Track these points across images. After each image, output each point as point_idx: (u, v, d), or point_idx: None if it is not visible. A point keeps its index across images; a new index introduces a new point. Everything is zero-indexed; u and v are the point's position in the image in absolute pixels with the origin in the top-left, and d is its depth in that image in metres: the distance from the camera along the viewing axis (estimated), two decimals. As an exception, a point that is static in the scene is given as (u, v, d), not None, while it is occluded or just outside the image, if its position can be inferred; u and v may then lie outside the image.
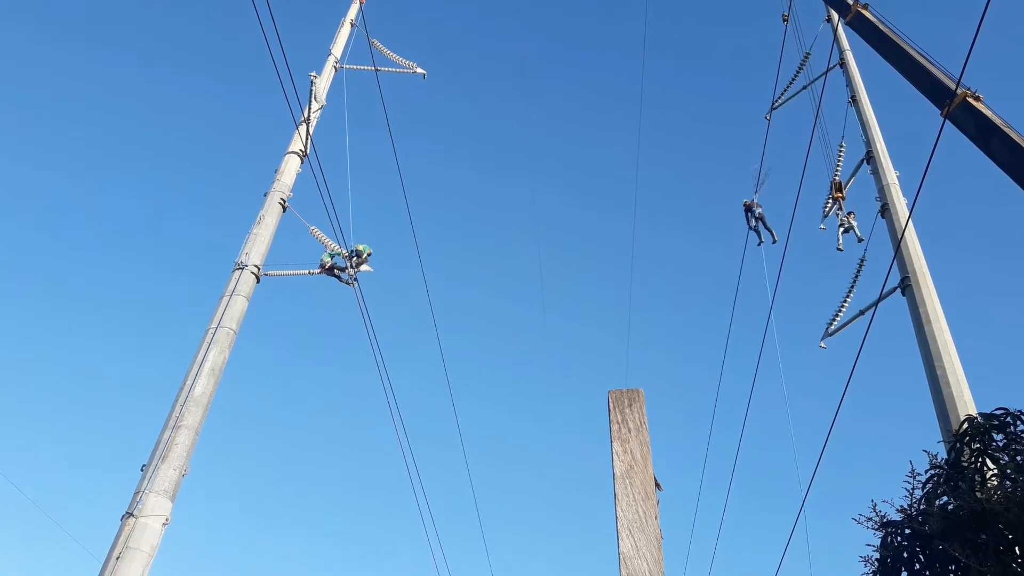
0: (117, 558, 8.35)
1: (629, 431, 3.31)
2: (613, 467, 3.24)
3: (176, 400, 9.58)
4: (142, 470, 9.08)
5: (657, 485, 3.29)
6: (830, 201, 15.16)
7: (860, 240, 14.74)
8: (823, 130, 15.09)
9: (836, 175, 15.20)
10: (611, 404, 3.41)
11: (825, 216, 15.34)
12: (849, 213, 15.21)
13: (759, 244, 17.67)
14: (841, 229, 15.24)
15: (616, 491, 3.19)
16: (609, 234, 68.51)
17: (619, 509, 3.15)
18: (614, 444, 3.28)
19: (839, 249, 15.20)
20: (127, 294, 60.96)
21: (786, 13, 17.58)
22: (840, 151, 15.05)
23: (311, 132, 12.70)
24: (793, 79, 17.75)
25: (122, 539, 8.50)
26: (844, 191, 15.18)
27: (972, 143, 9.34)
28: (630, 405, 3.37)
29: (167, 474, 8.98)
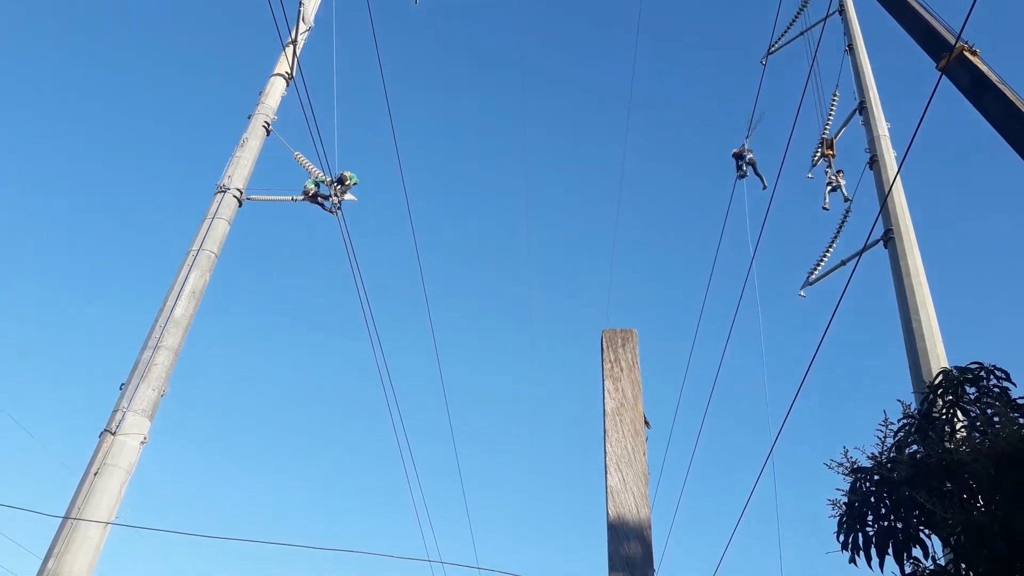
0: (95, 474, 8.39)
1: (621, 370, 3.33)
2: (604, 404, 3.27)
3: (156, 321, 9.51)
4: (121, 388, 9.06)
5: (646, 423, 3.34)
6: (818, 156, 15.06)
7: (847, 199, 14.63)
8: (817, 79, 14.94)
9: (826, 132, 15.07)
10: (604, 343, 3.42)
11: (813, 166, 15.30)
12: (838, 172, 15.06)
13: (763, 188, 17.61)
14: (829, 187, 15.07)
15: (606, 427, 3.22)
16: (599, 170, 68.18)
17: (608, 445, 3.19)
18: (606, 382, 3.30)
19: (825, 208, 15.03)
20: (109, 215, 60.09)
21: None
22: (833, 101, 14.95)
23: (298, 54, 12.37)
24: (791, 24, 17.49)
25: (100, 455, 8.53)
26: (834, 148, 15.07)
27: (965, 98, 9.30)
28: (623, 345, 3.38)
29: (146, 393, 8.97)
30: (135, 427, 8.73)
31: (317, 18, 13.81)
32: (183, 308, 9.63)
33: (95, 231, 60.18)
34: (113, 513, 8.24)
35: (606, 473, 3.13)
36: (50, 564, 7.76)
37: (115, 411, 8.83)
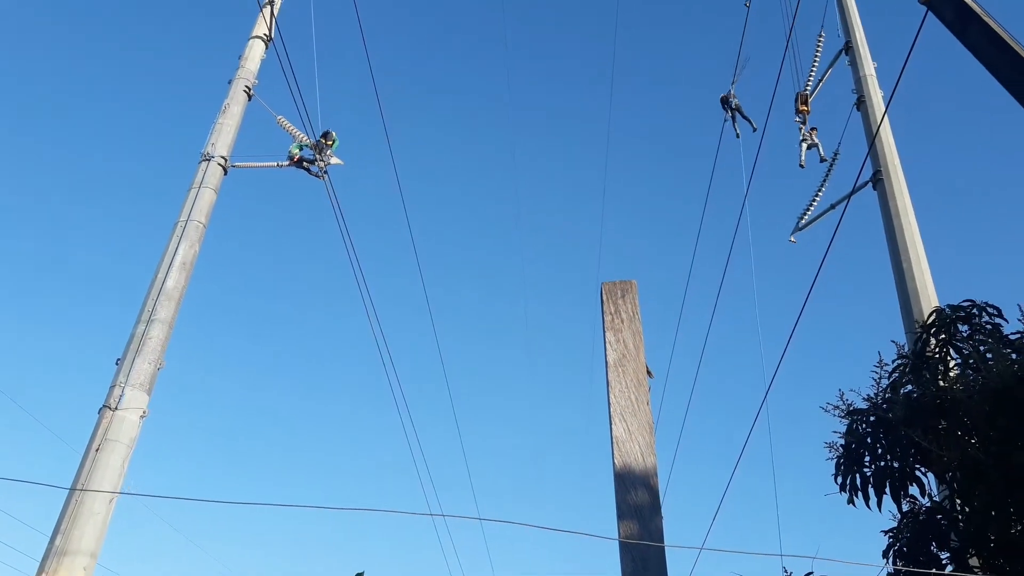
0: (97, 450, 8.41)
1: (622, 321, 3.33)
2: (606, 356, 3.28)
3: (148, 294, 9.45)
4: (117, 364, 9.04)
5: (648, 373, 3.36)
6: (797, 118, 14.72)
7: (823, 160, 14.18)
8: (801, 22, 14.73)
9: (807, 87, 14.78)
10: (604, 295, 3.41)
11: (797, 112, 15.06)
12: (812, 129, 14.66)
13: (737, 137, 17.42)
14: (804, 144, 14.60)
15: (609, 379, 3.24)
16: (586, 123, 67.63)
17: (612, 396, 3.20)
18: (607, 334, 3.31)
19: (801, 166, 14.67)
20: (94, 188, 59.40)
21: None
22: (818, 42, 14.79)
23: (275, 15, 12.13)
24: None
25: (100, 431, 8.54)
26: (809, 104, 14.75)
27: (949, 31, 9.23)
28: (623, 296, 3.37)
29: (142, 368, 8.95)
30: (134, 402, 8.72)
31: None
32: (174, 280, 9.56)
33: (81, 207, 59.57)
34: (118, 487, 8.28)
35: (611, 424, 3.15)
36: (58, 540, 7.81)
37: (113, 386, 8.81)
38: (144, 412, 8.84)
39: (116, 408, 8.62)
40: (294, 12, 13.62)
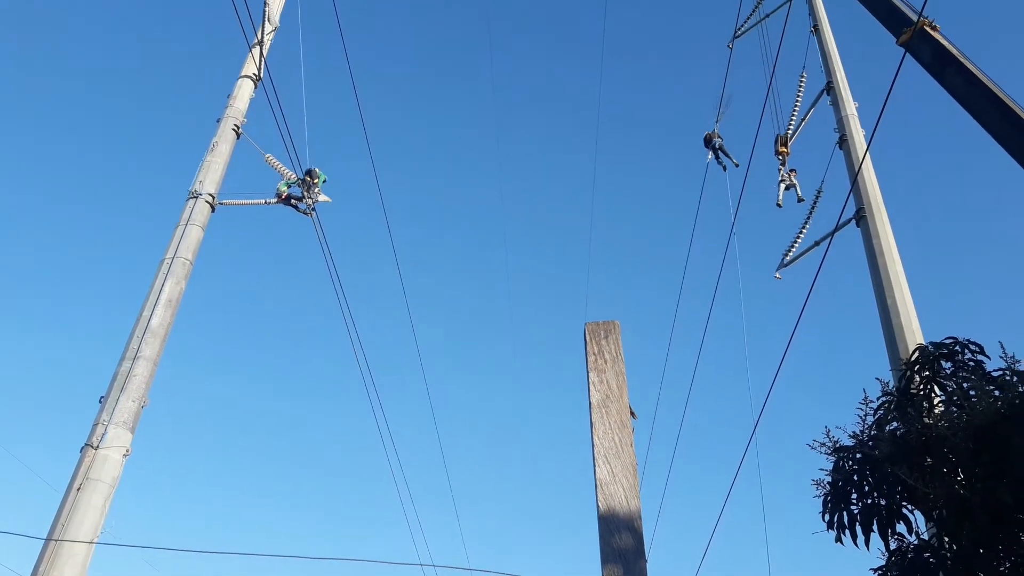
0: (78, 489, 8.30)
1: (605, 362, 3.35)
2: (589, 397, 3.29)
3: (133, 332, 9.41)
4: (100, 401, 8.96)
5: (632, 414, 3.36)
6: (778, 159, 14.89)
7: (800, 200, 14.31)
8: (783, 63, 14.99)
9: (788, 130, 14.98)
10: (587, 336, 3.44)
11: (776, 154, 15.19)
12: (791, 170, 14.84)
13: (724, 170, 17.62)
14: (783, 185, 14.79)
15: (592, 420, 3.25)
16: (573, 166, 68.21)
17: (596, 437, 3.21)
18: (590, 375, 3.32)
19: (778, 205, 14.81)
20: (81, 225, 59.26)
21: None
22: (800, 82, 15.04)
23: (264, 55, 12.26)
24: (756, 7, 17.59)
25: (82, 470, 8.44)
26: (788, 146, 14.94)
27: (927, 72, 9.43)
28: (606, 336, 3.40)
29: (126, 405, 8.88)
30: (117, 440, 8.64)
31: (283, 18, 13.69)
32: (160, 317, 9.53)
33: (67, 242, 59.33)
34: (98, 528, 8.16)
35: (594, 466, 3.15)
36: (36, 583, 7.68)
37: (96, 424, 8.73)
38: (127, 451, 8.75)
39: (99, 447, 8.52)
40: (282, 47, 13.76)
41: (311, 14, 14.50)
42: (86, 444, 8.62)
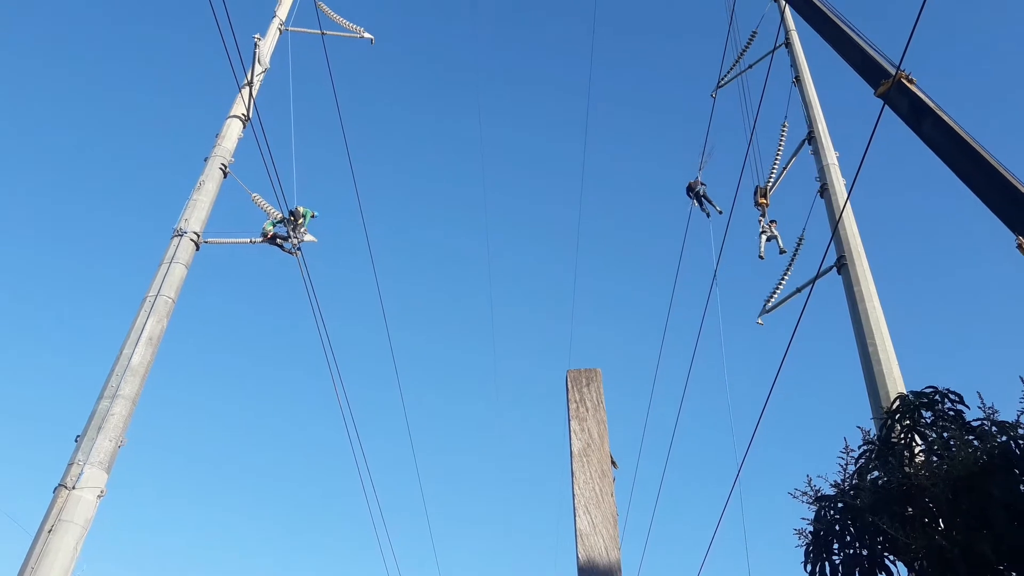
0: (49, 531, 8.13)
1: (587, 409, 3.35)
2: (571, 445, 3.28)
3: (113, 370, 9.31)
4: (76, 440, 8.82)
5: (613, 463, 3.35)
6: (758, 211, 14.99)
7: (782, 251, 14.42)
8: (766, 112, 15.25)
9: (769, 181, 15.13)
10: (569, 384, 3.44)
11: (756, 204, 15.29)
12: (772, 221, 14.90)
13: (707, 216, 17.80)
14: (764, 236, 14.85)
15: (573, 469, 3.23)
16: (557, 214, 68.72)
17: (576, 487, 3.19)
18: (572, 423, 3.32)
19: (760, 257, 14.86)
20: (64, 259, 58.88)
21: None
22: (782, 132, 15.30)
23: (254, 96, 12.36)
24: (739, 58, 17.93)
25: (55, 512, 8.27)
26: (768, 197, 15.07)
27: (905, 124, 9.62)
28: (588, 384, 3.40)
29: (103, 445, 8.75)
30: (91, 480, 8.49)
31: (272, 59, 13.83)
32: (140, 356, 9.44)
33: (50, 277, 58.88)
34: (69, 572, 7.97)
35: (575, 516, 3.12)
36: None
37: (71, 464, 8.58)
38: (102, 491, 8.60)
39: (73, 487, 8.37)
40: (271, 88, 13.87)
41: (300, 56, 14.67)
42: (60, 484, 8.46)
